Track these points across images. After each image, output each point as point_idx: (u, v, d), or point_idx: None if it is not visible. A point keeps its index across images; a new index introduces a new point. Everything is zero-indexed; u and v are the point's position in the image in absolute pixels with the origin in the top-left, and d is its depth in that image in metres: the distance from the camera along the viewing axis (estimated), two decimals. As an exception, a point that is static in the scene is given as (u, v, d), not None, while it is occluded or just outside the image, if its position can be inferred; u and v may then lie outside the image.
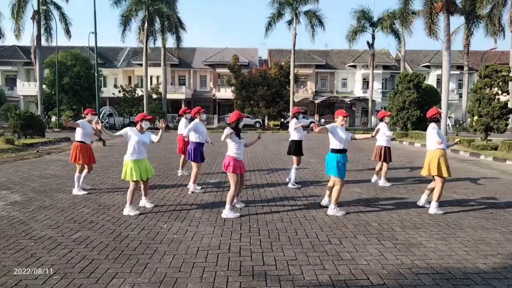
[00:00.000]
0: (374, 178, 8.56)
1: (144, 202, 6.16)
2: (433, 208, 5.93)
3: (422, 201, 6.37)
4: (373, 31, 36.81)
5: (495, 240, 4.72)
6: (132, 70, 45.95)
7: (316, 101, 43.03)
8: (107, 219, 5.47)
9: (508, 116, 17.64)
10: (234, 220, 5.43)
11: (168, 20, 33.25)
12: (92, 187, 7.76)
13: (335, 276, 3.62)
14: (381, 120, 8.29)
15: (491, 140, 17.26)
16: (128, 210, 5.71)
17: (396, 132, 24.25)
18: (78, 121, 7.34)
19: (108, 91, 41.10)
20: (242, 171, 5.70)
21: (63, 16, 32.30)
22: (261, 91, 33.52)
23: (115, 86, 41.49)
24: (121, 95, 36.59)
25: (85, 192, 7.14)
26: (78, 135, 7.26)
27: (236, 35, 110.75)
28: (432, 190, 6.24)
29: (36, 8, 29.09)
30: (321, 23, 33.44)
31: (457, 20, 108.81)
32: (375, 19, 36.07)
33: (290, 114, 8.53)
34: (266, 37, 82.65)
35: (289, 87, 34.90)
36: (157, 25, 33.72)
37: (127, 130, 5.94)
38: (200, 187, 7.56)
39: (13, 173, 9.46)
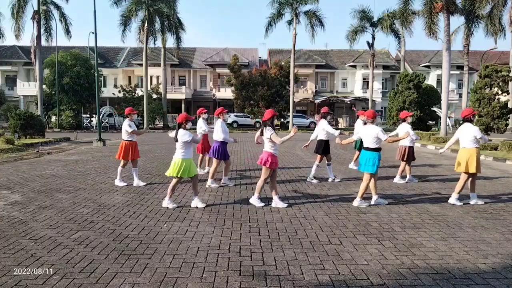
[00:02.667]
0: (396, 179, 8.64)
1: (196, 202, 6.24)
2: (453, 199, 6.49)
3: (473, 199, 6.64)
4: (373, 31, 36.75)
5: (495, 240, 4.72)
6: (132, 70, 45.95)
7: (316, 101, 43.02)
8: (107, 219, 5.47)
9: (508, 116, 17.65)
10: (234, 220, 5.43)
11: (168, 20, 33.23)
12: (91, 187, 7.76)
13: (335, 276, 3.62)
14: (404, 120, 8.47)
15: (491, 140, 17.24)
16: (167, 203, 6.16)
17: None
18: (127, 124, 7.94)
19: (108, 91, 41.11)
20: (277, 165, 6.21)
21: (63, 16, 32.25)
22: (261, 91, 33.52)
23: (115, 86, 41.49)
24: (121, 95, 36.58)
25: (125, 184, 7.95)
26: (124, 134, 7.98)
27: (236, 35, 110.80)
28: (473, 187, 6.61)
29: (36, 8, 29.07)
30: (321, 23, 33.41)
31: (457, 20, 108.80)
32: (375, 19, 36.01)
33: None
34: (266, 37, 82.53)
35: (289, 87, 34.89)
36: (157, 25, 33.69)
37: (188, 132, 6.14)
38: (217, 184, 7.92)
39: (13, 173, 9.47)
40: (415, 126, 24.30)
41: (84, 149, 15.74)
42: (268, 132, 6.02)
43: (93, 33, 19.43)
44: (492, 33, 30.70)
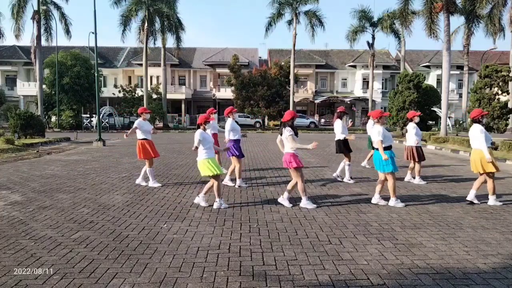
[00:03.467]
0: (407, 177, 8.66)
1: (200, 200, 6.28)
2: (492, 201, 6.48)
3: (471, 196, 6.61)
4: (373, 31, 36.79)
5: (495, 240, 4.72)
6: (132, 70, 45.95)
7: (316, 101, 43.05)
8: (107, 219, 5.47)
9: (508, 116, 17.64)
10: (234, 220, 5.43)
11: (168, 20, 33.25)
12: (91, 187, 7.77)
13: (335, 276, 3.62)
14: (411, 120, 8.49)
15: (493, 143, 17.25)
16: (218, 205, 6.09)
17: (396, 132, 24.26)
18: (135, 123, 8.03)
19: (108, 91, 41.10)
20: (302, 164, 6.14)
21: (63, 16, 32.28)
22: (261, 91, 33.52)
23: (115, 86, 41.48)
24: (121, 95, 36.58)
25: (159, 185, 7.84)
26: (139, 134, 7.95)
27: (236, 35, 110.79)
28: (478, 185, 6.61)
29: (36, 8, 29.09)
30: (321, 23, 33.45)
31: (457, 20, 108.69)
32: (375, 19, 36.04)
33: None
34: (266, 37, 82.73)
35: (289, 87, 34.90)
36: (157, 25, 33.73)
37: (203, 134, 6.11)
38: (246, 184, 8.02)
39: (13, 173, 9.47)
40: (415, 126, 24.25)
41: (84, 149, 15.74)
42: (286, 132, 5.97)
43: (93, 33, 19.44)
44: (492, 33, 30.71)
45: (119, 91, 36.69)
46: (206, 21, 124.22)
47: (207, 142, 6.06)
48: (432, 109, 28.02)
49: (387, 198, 6.53)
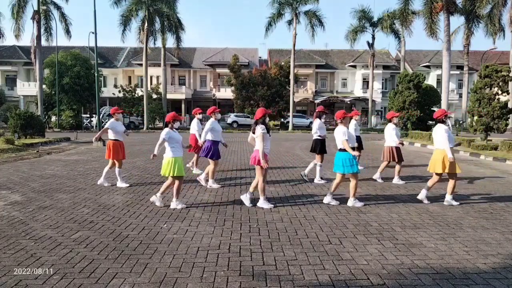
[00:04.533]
0: (376, 176, 8.65)
1: (156, 199, 6.23)
2: (448, 200, 6.48)
3: (422, 195, 6.63)
4: (373, 31, 36.77)
5: (495, 240, 4.72)
6: (132, 70, 45.96)
7: (316, 101, 43.01)
8: (107, 219, 5.47)
9: (508, 116, 17.62)
10: (234, 220, 5.43)
11: (168, 20, 33.23)
12: (91, 187, 7.77)
13: (335, 276, 3.62)
14: (390, 121, 8.45)
15: (491, 140, 17.25)
16: (174, 205, 6.09)
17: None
18: (106, 125, 7.97)
19: (108, 91, 41.10)
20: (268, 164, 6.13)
21: (63, 16, 32.25)
22: (261, 91, 33.52)
23: (115, 86, 41.47)
24: (121, 95, 36.56)
25: (127, 185, 7.84)
26: (110, 134, 7.85)
27: (236, 35, 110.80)
28: (431, 184, 6.65)
29: (36, 8, 29.06)
30: (321, 23, 33.41)
31: (457, 20, 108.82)
32: (375, 19, 36.02)
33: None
34: (266, 37, 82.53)
35: (289, 87, 34.89)
36: (157, 25, 33.69)
37: (169, 133, 6.04)
38: (219, 185, 7.91)
39: (13, 173, 9.46)
40: (415, 126, 24.26)
41: (84, 149, 15.75)
42: (259, 129, 5.93)
43: (93, 33, 19.45)
44: (492, 33, 30.72)
45: (119, 91, 36.67)
46: (206, 21, 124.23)
47: (173, 140, 6.01)
48: (432, 109, 28.02)
49: (385, 196, 6.52)
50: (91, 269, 3.75)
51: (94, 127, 32.02)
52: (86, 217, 5.57)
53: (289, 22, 34.32)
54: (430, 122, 31.51)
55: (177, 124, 6.24)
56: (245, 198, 6.31)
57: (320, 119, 8.50)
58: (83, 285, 3.42)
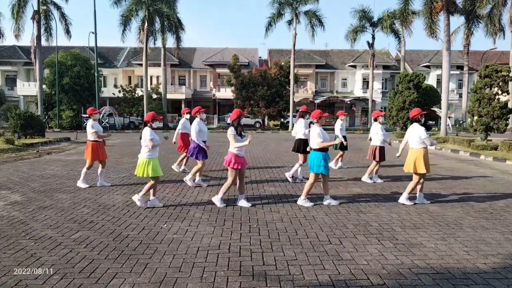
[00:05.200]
0: (364, 177, 8.68)
1: (137, 198, 6.19)
2: (403, 198, 6.47)
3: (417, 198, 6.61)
4: (373, 31, 36.77)
5: (495, 240, 4.72)
6: (132, 70, 45.93)
7: (316, 101, 43.02)
8: (107, 219, 5.47)
9: (508, 116, 17.62)
10: (234, 220, 5.43)
11: (168, 20, 33.23)
12: (91, 187, 7.77)
13: (335, 276, 3.62)
14: (375, 120, 8.54)
15: (491, 140, 17.24)
16: (154, 203, 6.12)
17: (396, 132, 24.26)
18: (93, 128, 7.74)
19: (108, 91, 41.08)
20: (244, 165, 6.14)
21: (63, 16, 32.25)
22: (261, 91, 33.52)
23: (115, 86, 41.48)
24: (121, 95, 36.57)
25: (87, 186, 7.71)
26: (89, 135, 7.78)
27: (236, 35, 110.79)
28: (419, 186, 6.59)
29: (36, 8, 29.06)
30: (321, 23, 33.43)
31: (457, 20, 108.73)
32: (375, 19, 36.03)
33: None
34: (266, 37, 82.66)
35: (289, 87, 34.89)
36: (157, 25, 33.69)
37: (152, 133, 6.06)
38: (206, 184, 7.91)
39: (13, 173, 9.46)
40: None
41: (84, 149, 15.71)
42: (229, 131, 5.99)
43: (93, 33, 19.47)
44: (492, 33, 30.71)
45: (119, 91, 36.68)
46: (206, 21, 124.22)
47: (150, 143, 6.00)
48: (432, 109, 28.04)
49: (385, 196, 6.52)
50: (91, 269, 3.75)
51: (94, 127, 31.95)
52: (86, 217, 5.57)
53: (289, 22, 34.34)
54: (430, 122, 31.55)
55: (156, 124, 6.22)
56: (242, 202, 6.26)
57: (304, 118, 8.53)
58: (83, 285, 3.42)
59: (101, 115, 31.02)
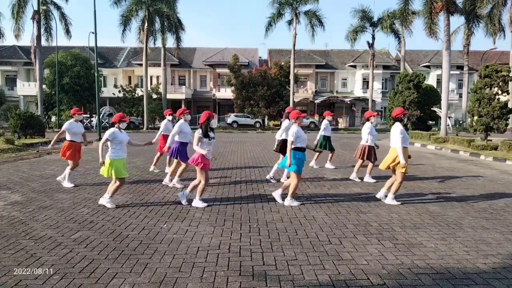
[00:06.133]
0: (352, 176, 8.72)
1: (105, 200, 6.21)
2: (389, 199, 6.47)
3: (381, 194, 6.71)
4: (373, 31, 36.79)
5: (495, 240, 4.72)
6: (132, 70, 45.94)
7: (316, 101, 43.03)
8: (107, 219, 5.47)
9: (508, 116, 17.62)
10: (234, 220, 5.43)
11: (168, 20, 33.25)
12: (91, 187, 7.76)
13: (335, 276, 3.62)
14: (368, 120, 8.65)
15: (491, 140, 17.25)
16: (107, 202, 6.14)
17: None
18: (63, 126, 7.88)
19: (108, 91, 41.11)
20: (208, 167, 6.15)
21: (63, 16, 32.26)
22: (261, 91, 33.52)
23: (115, 86, 41.50)
24: (121, 95, 36.59)
25: (72, 185, 7.77)
26: (67, 135, 7.87)
27: (236, 35, 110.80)
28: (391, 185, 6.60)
29: (36, 8, 29.06)
30: (321, 23, 33.45)
31: (457, 20, 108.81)
32: (375, 19, 36.05)
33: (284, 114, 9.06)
34: (266, 37, 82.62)
35: (289, 87, 34.91)
36: (157, 25, 33.72)
37: (115, 133, 6.10)
38: (183, 185, 7.76)
39: (13, 173, 9.46)
40: (415, 126, 24.26)
41: (84, 149, 15.70)
42: (195, 133, 6.01)
43: (93, 33, 19.45)
44: (492, 33, 30.73)
45: (119, 91, 36.69)
46: (206, 21, 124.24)
47: (116, 141, 6.03)
48: (432, 109, 28.04)
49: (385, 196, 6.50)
50: (91, 269, 3.75)
51: (94, 127, 32.00)
52: (86, 217, 5.57)
53: (289, 22, 34.36)
54: (430, 122, 31.53)
55: (123, 125, 6.24)
56: (182, 198, 6.33)
57: (289, 119, 8.43)
58: (83, 285, 3.42)
59: (101, 115, 30.99)
